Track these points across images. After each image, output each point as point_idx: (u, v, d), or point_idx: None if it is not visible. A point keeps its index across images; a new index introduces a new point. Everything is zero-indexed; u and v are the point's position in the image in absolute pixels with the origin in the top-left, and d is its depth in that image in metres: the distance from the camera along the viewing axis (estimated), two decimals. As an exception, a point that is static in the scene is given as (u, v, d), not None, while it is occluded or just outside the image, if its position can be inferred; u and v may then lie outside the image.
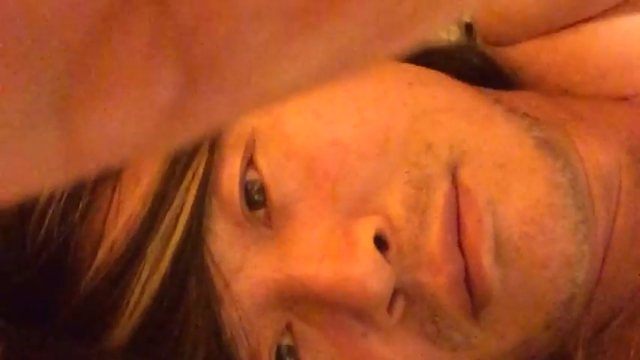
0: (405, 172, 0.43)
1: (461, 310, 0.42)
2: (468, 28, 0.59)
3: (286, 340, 0.44)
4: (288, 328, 0.44)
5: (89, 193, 0.43)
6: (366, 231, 0.42)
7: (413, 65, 0.50)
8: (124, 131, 0.14)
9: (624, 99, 0.54)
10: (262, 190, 0.43)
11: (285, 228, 0.43)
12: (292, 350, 0.44)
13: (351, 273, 0.41)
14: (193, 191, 0.42)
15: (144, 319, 0.42)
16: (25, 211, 0.43)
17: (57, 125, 0.14)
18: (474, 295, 0.42)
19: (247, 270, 0.43)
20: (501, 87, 0.54)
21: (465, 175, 0.43)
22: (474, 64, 0.57)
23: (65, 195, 0.43)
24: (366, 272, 0.41)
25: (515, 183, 0.44)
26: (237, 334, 0.43)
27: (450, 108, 0.46)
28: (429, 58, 0.51)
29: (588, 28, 0.53)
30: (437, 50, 0.57)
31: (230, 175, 0.43)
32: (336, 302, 0.42)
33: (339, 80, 0.16)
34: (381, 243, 0.42)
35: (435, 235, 0.42)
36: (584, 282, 0.45)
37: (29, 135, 0.14)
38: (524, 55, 0.55)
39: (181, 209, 0.42)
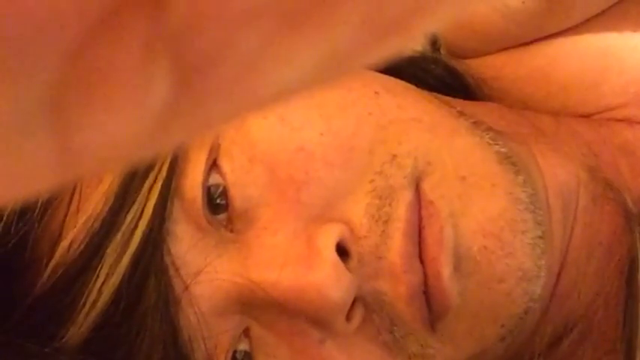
0: (370, 182, 0.43)
1: (418, 321, 0.43)
2: (433, 40, 0.60)
3: (243, 346, 0.44)
4: (246, 333, 0.44)
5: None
6: (328, 239, 0.42)
7: (380, 74, 0.50)
8: (118, 133, 0.14)
9: (586, 116, 0.55)
10: (225, 194, 0.43)
11: (246, 232, 0.43)
12: (248, 355, 0.44)
13: (311, 280, 0.41)
14: (155, 192, 0.42)
15: (100, 320, 0.41)
16: None
17: (50, 127, 0.14)
18: (432, 307, 0.43)
19: (207, 274, 0.43)
20: (465, 99, 0.55)
21: (428, 188, 0.43)
22: (438, 74, 0.58)
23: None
24: (326, 280, 0.41)
25: (476, 197, 0.44)
26: (194, 337, 0.42)
27: (416, 119, 0.46)
28: (396, 66, 0.51)
29: (552, 45, 0.54)
30: (403, 59, 0.57)
31: (193, 178, 0.43)
32: (296, 309, 0.42)
33: (331, 83, 0.16)
34: (342, 251, 0.42)
35: (397, 245, 0.42)
36: (540, 296, 0.45)
37: (22, 137, 0.14)
38: (488, 68, 0.56)
39: (142, 210, 0.42)
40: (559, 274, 0.49)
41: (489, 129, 0.48)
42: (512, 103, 0.55)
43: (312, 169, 0.43)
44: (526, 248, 0.44)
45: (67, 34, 0.13)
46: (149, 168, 0.42)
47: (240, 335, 0.44)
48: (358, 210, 0.43)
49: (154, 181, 0.42)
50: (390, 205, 0.43)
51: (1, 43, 0.13)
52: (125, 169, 0.42)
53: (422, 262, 0.42)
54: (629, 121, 0.54)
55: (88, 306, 0.41)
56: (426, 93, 0.50)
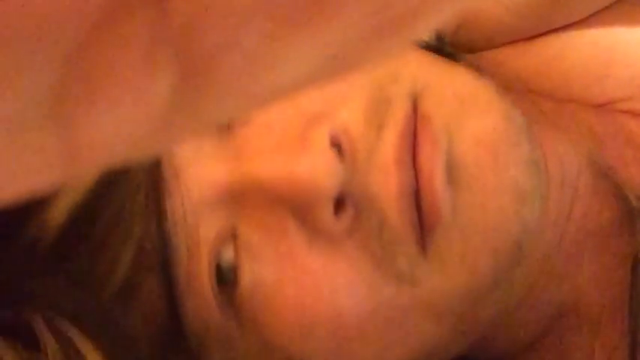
0: (369, 93, 0.43)
1: (406, 225, 0.42)
2: (438, 33, 0.60)
3: (228, 254, 0.43)
4: (233, 233, 0.43)
5: None
6: (321, 131, 0.41)
7: None
8: (122, 130, 0.14)
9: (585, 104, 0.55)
10: None
11: (239, 129, 0.43)
12: (233, 255, 0.43)
13: (301, 166, 0.40)
14: None
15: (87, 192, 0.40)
16: None
17: (54, 124, 0.14)
18: (422, 214, 0.42)
19: (200, 162, 0.42)
20: None
21: (425, 105, 0.44)
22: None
23: None
24: (314, 165, 0.40)
25: (472, 113, 0.44)
26: (180, 225, 0.42)
27: (422, 59, 0.47)
28: None
29: (558, 38, 0.54)
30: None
31: None
32: (284, 196, 0.41)
33: (334, 80, 0.16)
34: (336, 147, 0.41)
35: (391, 142, 0.42)
36: (532, 232, 0.44)
37: (26, 134, 0.14)
38: (493, 61, 0.56)
39: None
40: (557, 248, 0.50)
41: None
42: (513, 83, 0.55)
43: None
44: (520, 164, 0.44)
45: (68, 31, 0.13)
46: None
47: (227, 235, 0.43)
48: (355, 115, 0.43)
49: None
50: (386, 111, 0.43)
51: (4, 41, 0.13)
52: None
53: (415, 169, 0.42)
54: (632, 114, 0.54)
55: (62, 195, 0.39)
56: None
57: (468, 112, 0.44)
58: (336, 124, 0.42)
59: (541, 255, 0.49)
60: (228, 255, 0.43)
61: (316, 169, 0.40)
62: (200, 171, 0.42)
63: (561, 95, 0.54)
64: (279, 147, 0.42)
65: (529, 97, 0.54)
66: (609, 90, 0.54)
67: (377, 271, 0.42)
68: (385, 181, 0.41)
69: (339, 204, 0.41)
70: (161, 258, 0.41)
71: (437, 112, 0.43)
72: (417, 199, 0.42)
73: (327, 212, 0.41)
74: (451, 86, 0.45)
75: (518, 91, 0.55)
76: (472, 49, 0.57)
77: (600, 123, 0.54)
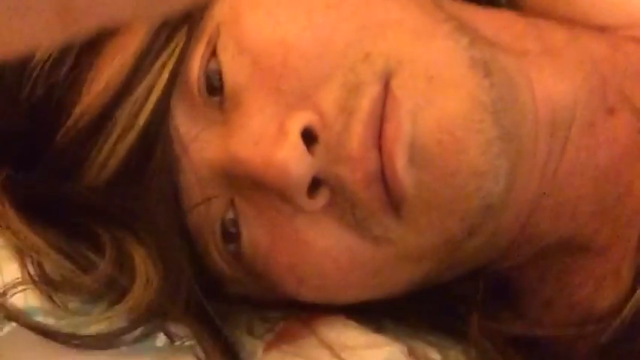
0: (342, 76, 0.47)
1: (376, 203, 0.47)
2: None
3: (230, 214, 0.49)
4: (232, 203, 0.49)
5: (74, 58, 0.49)
6: (295, 123, 0.46)
7: None
8: None
9: (605, 30, 0.55)
10: (220, 77, 0.48)
11: (233, 114, 0.48)
12: (235, 222, 0.49)
13: (275, 157, 0.45)
14: (168, 70, 0.48)
15: (115, 173, 0.47)
16: (17, 70, 0.49)
17: None
18: (389, 192, 0.46)
19: (199, 143, 0.48)
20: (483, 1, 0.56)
21: (395, 85, 0.46)
22: None
23: (52, 57, 0.48)
24: (286, 158, 0.45)
25: (439, 95, 0.47)
26: (192, 196, 0.49)
27: (397, 22, 0.49)
28: None
29: None
30: None
31: (195, 62, 0.48)
32: (263, 182, 0.46)
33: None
34: (311, 136, 0.46)
35: (356, 134, 0.46)
36: (503, 194, 0.48)
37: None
38: None
39: (154, 84, 0.47)
40: (551, 188, 0.51)
41: (475, 36, 0.50)
42: (534, 7, 0.56)
43: (290, 60, 0.47)
44: (480, 147, 0.46)
45: None
46: (163, 47, 0.48)
47: (228, 204, 0.49)
48: (329, 101, 0.46)
49: (167, 60, 0.48)
50: (355, 98, 0.46)
51: None
52: (142, 44, 0.47)
53: (380, 152, 0.46)
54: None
55: (103, 158, 0.47)
56: None
57: (436, 93, 0.47)
58: (310, 115, 0.46)
59: (532, 194, 0.51)
60: (229, 217, 0.49)
61: (288, 161, 0.45)
62: (199, 150, 0.48)
63: (580, 11, 0.55)
64: (260, 134, 0.46)
65: (539, 28, 0.54)
66: (631, 13, 0.55)
67: (354, 236, 0.48)
68: (352, 172, 0.46)
69: (315, 186, 0.47)
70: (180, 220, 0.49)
71: (405, 92, 0.46)
72: (384, 180, 0.46)
73: (300, 196, 0.46)
74: (423, 62, 0.47)
75: (529, 21, 0.55)
76: None
77: (610, 52, 0.54)
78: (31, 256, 0.49)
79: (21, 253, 0.49)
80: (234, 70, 0.48)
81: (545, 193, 0.51)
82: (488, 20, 0.54)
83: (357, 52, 0.47)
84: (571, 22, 0.55)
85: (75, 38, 0.17)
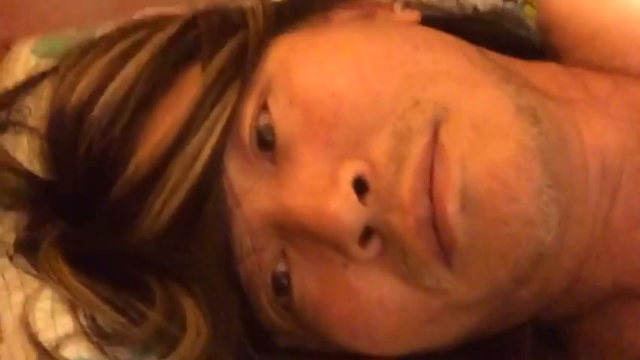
0: (392, 125, 0.47)
1: (428, 252, 0.46)
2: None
3: (281, 266, 0.50)
4: (283, 254, 0.50)
5: (129, 114, 0.51)
6: (346, 173, 0.46)
7: (426, 28, 0.53)
8: None
9: None
10: (272, 131, 0.49)
11: (285, 165, 0.49)
12: (286, 275, 0.50)
13: (327, 207, 0.46)
14: (220, 124, 0.49)
15: (168, 225, 0.48)
16: (74, 126, 0.51)
17: None
18: (440, 238, 0.46)
19: (251, 195, 0.49)
20: (528, 55, 0.57)
21: (443, 133, 0.47)
22: (508, 30, 0.61)
23: (109, 113, 0.51)
24: (338, 207, 0.46)
25: (487, 143, 0.47)
26: (244, 249, 0.49)
27: (445, 71, 0.49)
28: (469, 24, 0.55)
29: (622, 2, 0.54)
30: (477, 17, 0.60)
31: (247, 115, 0.49)
32: (316, 232, 0.47)
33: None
34: (362, 185, 0.46)
35: (407, 182, 0.46)
36: (554, 242, 0.47)
37: None
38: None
39: (207, 138, 0.48)
40: (603, 236, 0.51)
41: (522, 85, 0.50)
42: (575, 60, 0.56)
43: (340, 112, 0.47)
44: (531, 194, 0.46)
45: None
46: (215, 102, 0.49)
47: (279, 255, 0.50)
48: (379, 150, 0.47)
49: (220, 115, 0.49)
50: (406, 146, 0.46)
51: None
52: (195, 101, 0.49)
53: (431, 199, 0.46)
54: None
55: (156, 211, 0.48)
56: (471, 48, 0.52)
57: (482, 140, 0.46)
58: (361, 164, 0.47)
59: (584, 242, 0.50)
60: (280, 269, 0.50)
61: (340, 210, 0.46)
62: (251, 201, 0.49)
63: (619, 63, 0.55)
64: (312, 185, 0.47)
65: (582, 78, 0.54)
66: None
67: (405, 286, 0.48)
68: (403, 220, 0.46)
69: (367, 235, 0.47)
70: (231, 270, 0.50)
71: (453, 140, 0.46)
72: (435, 229, 0.46)
73: (353, 245, 0.47)
74: (469, 110, 0.47)
75: (573, 72, 0.55)
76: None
77: None
78: (83, 309, 0.50)
79: (73, 306, 0.50)
80: (285, 122, 0.49)
81: (597, 242, 0.51)
82: (535, 71, 0.54)
83: (406, 100, 0.47)
84: (613, 71, 0.55)
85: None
